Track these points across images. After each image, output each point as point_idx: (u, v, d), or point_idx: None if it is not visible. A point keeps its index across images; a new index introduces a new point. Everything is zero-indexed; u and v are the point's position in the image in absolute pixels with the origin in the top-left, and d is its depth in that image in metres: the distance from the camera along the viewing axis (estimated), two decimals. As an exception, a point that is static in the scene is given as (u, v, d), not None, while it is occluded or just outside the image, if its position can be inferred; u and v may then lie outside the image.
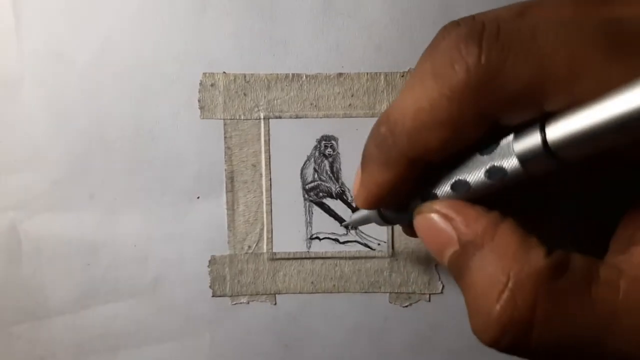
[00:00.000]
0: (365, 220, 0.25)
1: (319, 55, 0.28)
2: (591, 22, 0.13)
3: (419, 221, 0.18)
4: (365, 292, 0.30)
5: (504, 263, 0.14)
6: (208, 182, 0.29)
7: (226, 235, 0.29)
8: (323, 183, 0.29)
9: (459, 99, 0.14)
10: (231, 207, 0.29)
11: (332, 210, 0.29)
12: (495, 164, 0.16)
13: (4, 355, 0.30)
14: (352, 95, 0.28)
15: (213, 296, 0.30)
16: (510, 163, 0.15)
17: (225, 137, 0.29)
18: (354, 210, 0.29)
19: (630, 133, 0.13)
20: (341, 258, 0.29)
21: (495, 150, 0.16)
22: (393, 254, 0.29)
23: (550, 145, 0.14)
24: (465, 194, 0.17)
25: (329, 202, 0.29)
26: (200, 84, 0.28)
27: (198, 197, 0.29)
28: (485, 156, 0.16)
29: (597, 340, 0.14)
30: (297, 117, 0.29)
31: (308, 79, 0.28)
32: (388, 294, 0.30)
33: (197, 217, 0.29)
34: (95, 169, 0.29)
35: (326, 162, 0.29)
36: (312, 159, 0.29)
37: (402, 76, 0.28)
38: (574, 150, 0.14)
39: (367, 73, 0.28)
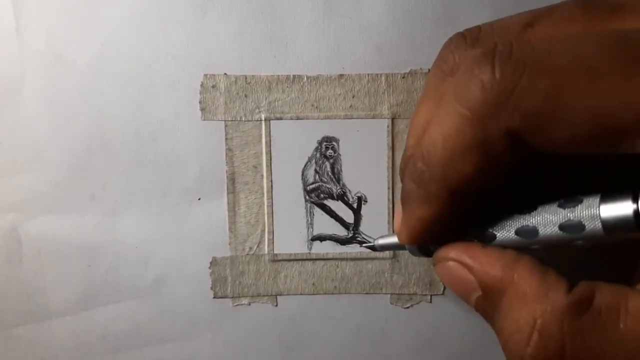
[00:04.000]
0: (398, 248, 0.24)
1: (320, 56, 0.28)
2: (605, 35, 0.13)
3: (439, 269, 0.17)
4: (367, 294, 0.30)
5: (528, 306, 0.15)
6: (209, 184, 0.29)
7: (227, 236, 0.29)
8: (324, 184, 0.29)
9: (480, 119, 0.14)
10: (232, 208, 0.29)
11: (333, 212, 0.29)
12: (573, 219, 0.15)
13: (5, 357, 0.30)
14: (353, 97, 0.28)
15: (214, 297, 0.30)
16: (593, 225, 0.15)
17: (226, 139, 0.29)
18: (354, 211, 0.29)
19: None
20: (342, 259, 0.29)
21: (576, 207, 0.15)
22: (394, 255, 0.29)
23: None
24: (529, 242, 0.16)
25: (330, 203, 0.29)
26: (201, 85, 0.28)
27: (199, 199, 0.29)
28: (564, 209, 0.15)
29: None
30: (298, 118, 0.29)
31: (309, 80, 0.28)
32: (389, 295, 0.30)
33: (198, 219, 0.29)
34: (96, 170, 0.29)
35: (327, 163, 0.29)
36: (313, 160, 0.29)
37: (403, 77, 0.28)
38: None
39: (368, 74, 0.28)
